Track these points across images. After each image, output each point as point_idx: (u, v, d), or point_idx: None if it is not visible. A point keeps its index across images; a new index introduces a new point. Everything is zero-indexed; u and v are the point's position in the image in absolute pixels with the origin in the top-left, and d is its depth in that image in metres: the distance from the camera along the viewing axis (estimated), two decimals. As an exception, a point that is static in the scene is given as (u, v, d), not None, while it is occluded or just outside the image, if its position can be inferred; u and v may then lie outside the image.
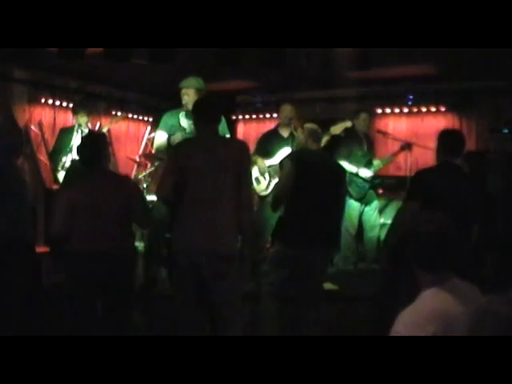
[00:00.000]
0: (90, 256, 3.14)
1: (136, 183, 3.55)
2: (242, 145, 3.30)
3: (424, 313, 1.76)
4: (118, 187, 3.30)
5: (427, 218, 1.88)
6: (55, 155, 5.55)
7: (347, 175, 5.62)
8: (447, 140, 3.55)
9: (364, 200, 5.65)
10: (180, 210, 3.20)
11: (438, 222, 1.86)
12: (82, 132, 5.52)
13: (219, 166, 3.07)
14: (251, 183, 3.18)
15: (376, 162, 5.68)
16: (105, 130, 5.86)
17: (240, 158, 3.12)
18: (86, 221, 3.18)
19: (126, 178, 3.81)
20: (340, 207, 3.85)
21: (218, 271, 3.03)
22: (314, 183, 3.59)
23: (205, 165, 3.07)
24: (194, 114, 3.30)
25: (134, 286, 3.42)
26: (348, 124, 5.37)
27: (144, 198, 3.52)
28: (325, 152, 4.07)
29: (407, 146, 5.70)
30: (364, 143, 5.71)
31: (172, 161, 3.28)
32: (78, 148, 3.44)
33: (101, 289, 3.20)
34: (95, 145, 3.35)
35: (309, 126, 3.93)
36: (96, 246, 3.16)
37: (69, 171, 5.30)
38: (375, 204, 5.72)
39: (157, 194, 3.56)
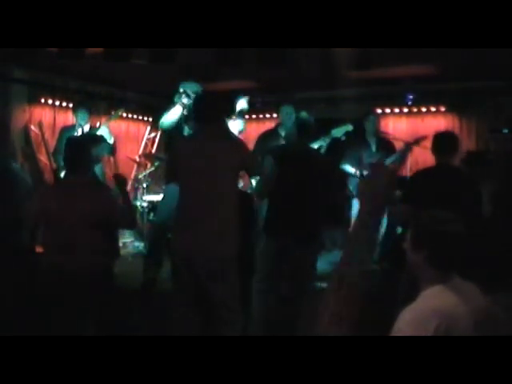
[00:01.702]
0: (58, 268, 3.01)
1: (110, 189, 3.37)
2: (240, 144, 3.28)
3: (427, 311, 1.76)
4: (93, 198, 3.10)
5: (446, 218, 1.88)
6: (57, 155, 5.56)
7: (349, 176, 5.65)
8: (438, 142, 3.64)
9: None
10: (176, 210, 3.21)
11: (456, 222, 1.87)
12: (82, 131, 5.53)
13: (213, 167, 3.05)
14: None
15: (388, 160, 5.64)
16: (102, 129, 5.83)
17: (238, 157, 3.10)
18: (57, 230, 3.04)
19: (103, 189, 3.43)
20: (325, 200, 3.69)
21: (213, 272, 3.03)
22: (293, 178, 3.55)
23: (198, 165, 3.07)
24: (194, 114, 3.30)
25: (97, 302, 3.13)
26: (349, 127, 5.38)
27: (122, 200, 3.26)
28: (309, 147, 3.93)
29: (421, 139, 5.60)
30: (373, 144, 5.72)
31: (169, 161, 3.32)
32: (63, 149, 3.21)
33: (72, 298, 3.02)
34: (77, 148, 3.17)
35: (302, 116, 3.84)
36: (64, 257, 3.02)
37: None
38: None
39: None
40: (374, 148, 5.72)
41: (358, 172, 5.63)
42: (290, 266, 3.57)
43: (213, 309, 3.11)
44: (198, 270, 3.05)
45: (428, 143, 3.81)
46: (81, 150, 3.18)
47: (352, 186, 5.72)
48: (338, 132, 5.38)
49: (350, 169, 5.66)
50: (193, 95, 4.40)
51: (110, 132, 5.91)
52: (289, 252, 3.54)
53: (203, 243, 3.01)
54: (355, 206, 5.72)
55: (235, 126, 4.75)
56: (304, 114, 3.85)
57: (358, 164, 5.63)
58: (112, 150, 5.76)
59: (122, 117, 7.01)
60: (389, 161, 5.61)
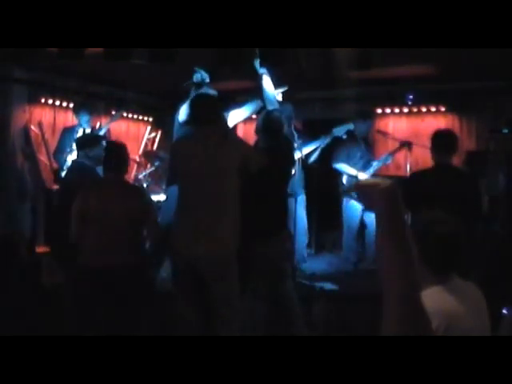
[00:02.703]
0: (102, 268, 3.10)
1: (148, 195, 3.59)
2: (239, 143, 3.27)
3: (426, 311, 1.76)
4: (132, 197, 3.30)
5: (442, 219, 1.88)
6: (58, 154, 5.57)
7: (347, 178, 5.64)
8: (438, 141, 3.62)
9: None
10: (176, 211, 3.21)
11: (452, 222, 1.87)
12: (84, 132, 5.54)
13: (213, 169, 3.05)
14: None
15: (374, 163, 5.67)
16: (103, 130, 5.84)
17: (238, 157, 3.10)
18: (99, 230, 3.14)
19: (140, 188, 3.86)
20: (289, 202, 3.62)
21: (214, 272, 3.03)
22: (258, 183, 3.40)
23: (197, 167, 3.07)
24: (191, 115, 3.29)
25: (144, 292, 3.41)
26: (350, 126, 5.38)
27: (155, 210, 3.56)
28: (271, 145, 3.58)
29: (406, 144, 5.68)
30: (362, 145, 5.72)
31: (170, 165, 3.33)
32: (104, 153, 3.46)
33: (111, 298, 3.17)
34: (123, 153, 3.41)
35: (270, 114, 3.60)
36: (109, 258, 3.11)
37: (69, 171, 5.30)
38: None
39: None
40: (363, 147, 5.72)
41: (355, 173, 5.62)
42: (255, 264, 3.48)
43: (214, 307, 3.11)
44: (199, 269, 3.05)
45: (428, 143, 3.80)
46: (124, 151, 3.45)
47: (348, 183, 5.68)
48: (340, 131, 5.38)
49: (344, 168, 5.65)
50: (201, 81, 4.39)
51: (109, 133, 5.94)
52: (250, 250, 3.42)
53: (205, 243, 3.01)
54: (348, 204, 5.69)
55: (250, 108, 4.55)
56: (275, 113, 3.69)
57: (347, 162, 5.62)
58: None
59: (122, 117, 7.01)
60: (378, 163, 5.63)
